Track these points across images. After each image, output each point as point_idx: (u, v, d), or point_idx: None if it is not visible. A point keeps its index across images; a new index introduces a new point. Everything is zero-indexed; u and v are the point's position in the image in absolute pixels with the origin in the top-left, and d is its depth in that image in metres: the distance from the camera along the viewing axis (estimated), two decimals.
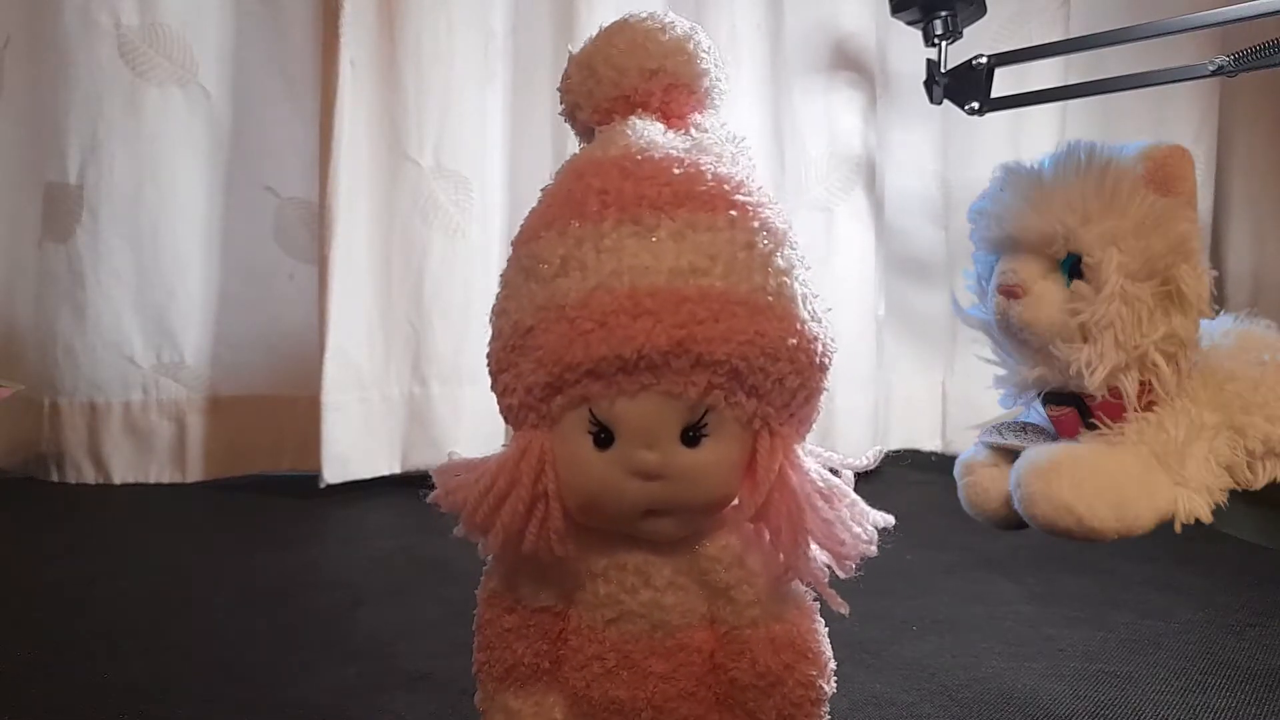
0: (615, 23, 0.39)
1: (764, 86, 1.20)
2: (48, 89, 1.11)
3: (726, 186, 0.35)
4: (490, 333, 0.38)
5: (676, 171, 0.35)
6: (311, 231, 1.16)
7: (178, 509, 1.07)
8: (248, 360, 1.19)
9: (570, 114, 0.40)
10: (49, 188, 1.12)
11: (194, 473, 1.16)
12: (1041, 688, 0.61)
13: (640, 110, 0.38)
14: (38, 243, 1.13)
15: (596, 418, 0.34)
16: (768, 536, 0.37)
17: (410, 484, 1.14)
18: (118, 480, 1.13)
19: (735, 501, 0.37)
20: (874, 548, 0.36)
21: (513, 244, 0.38)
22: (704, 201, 0.35)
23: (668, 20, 0.39)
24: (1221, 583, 0.82)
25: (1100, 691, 0.61)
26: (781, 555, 0.36)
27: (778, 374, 0.34)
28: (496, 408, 0.37)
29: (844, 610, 0.37)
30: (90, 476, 1.13)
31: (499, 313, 0.37)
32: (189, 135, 1.14)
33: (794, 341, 0.34)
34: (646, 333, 0.33)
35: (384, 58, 1.12)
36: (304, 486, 1.11)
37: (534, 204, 0.38)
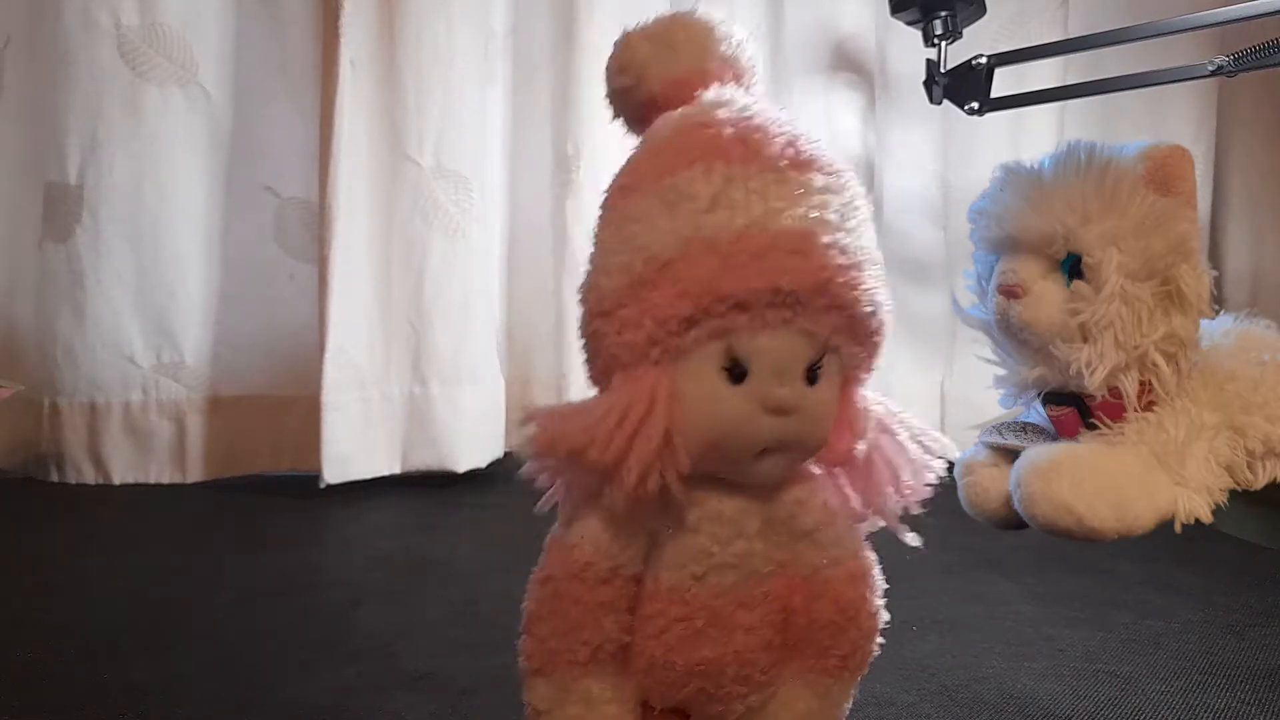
0: (666, 16, 0.40)
1: (764, 86, 1.20)
2: (48, 89, 1.11)
3: (830, 155, 0.37)
4: (596, 271, 0.37)
5: (795, 133, 0.37)
6: (311, 231, 1.16)
7: (177, 509, 1.07)
8: (248, 360, 1.19)
9: (627, 90, 0.40)
10: (49, 188, 1.12)
11: (194, 473, 1.16)
12: (1041, 688, 0.61)
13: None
14: (38, 243, 1.14)
15: (731, 354, 0.35)
16: (844, 481, 0.39)
17: (410, 484, 1.14)
18: (117, 480, 1.13)
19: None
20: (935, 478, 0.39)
21: (632, 183, 0.37)
22: (825, 163, 0.37)
23: (717, 19, 0.40)
24: (1221, 583, 0.82)
25: (1100, 691, 0.61)
26: (871, 497, 0.39)
27: (875, 325, 0.37)
28: (591, 353, 0.37)
29: (918, 544, 0.39)
30: (90, 477, 1.13)
31: (614, 250, 0.36)
32: (189, 135, 1.14)
33: (886, 298, 0.37)
34: (798, 269, 0.34)
35: (384, 58, 1.12)
36: (304, 486, 1.11)
37: (633, 152, 0.38)
